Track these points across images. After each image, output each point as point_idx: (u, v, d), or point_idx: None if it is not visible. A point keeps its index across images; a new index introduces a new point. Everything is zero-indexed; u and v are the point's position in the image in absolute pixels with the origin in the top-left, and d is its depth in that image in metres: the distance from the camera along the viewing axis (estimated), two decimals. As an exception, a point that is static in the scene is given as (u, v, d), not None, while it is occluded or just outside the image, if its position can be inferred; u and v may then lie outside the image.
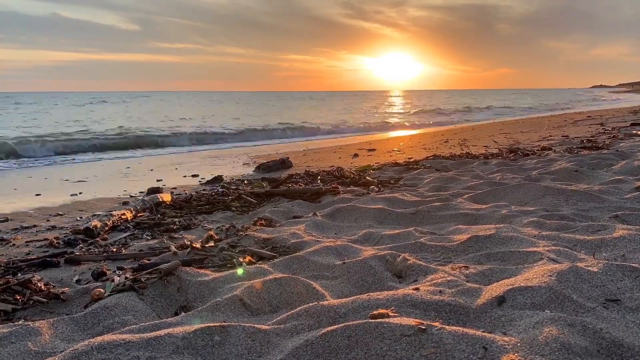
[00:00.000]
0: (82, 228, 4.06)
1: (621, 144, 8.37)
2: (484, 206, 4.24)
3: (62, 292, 2.65)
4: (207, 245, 3.41)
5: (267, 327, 1.97)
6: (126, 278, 2.69)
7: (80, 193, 6.41)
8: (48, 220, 4.79)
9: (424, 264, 2.72)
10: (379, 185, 5.77)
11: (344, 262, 2.83)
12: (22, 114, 30.81)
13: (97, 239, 3.90)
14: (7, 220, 4.83)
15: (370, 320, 1.82)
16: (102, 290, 2.56)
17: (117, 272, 2.97)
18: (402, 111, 36.43)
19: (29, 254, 3.62)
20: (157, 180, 7.41)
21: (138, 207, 4.78)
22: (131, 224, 4.37)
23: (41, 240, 3.99)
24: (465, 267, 2.64)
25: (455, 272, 2.56)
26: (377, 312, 1.94)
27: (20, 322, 2.29)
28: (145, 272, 2.75)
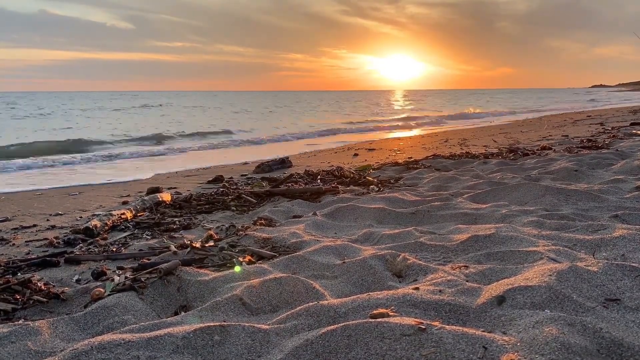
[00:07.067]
0: (81, 227, 4.06)
1: (621, 144, 8.36)
2: (483, 206, 4.24)
3: (62, 292, 2.65)
4: (206, 245, 3.41)
5: (266, 326, 1.97)
6: (126, 278, 2.69)
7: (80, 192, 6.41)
8: (48, 220, 4.79)
9: (423, 263, 2.72)
10: (379, 185, 5.77)
11: (344, 262, 2.83)
12: None
13: (97, 238, 3.90)
14: (7, 219, 4.83)
15: (370, 320, 1.82)
16: (102, 289, 2.56)
17: (117, 272, 2.97)
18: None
19: (28, 253, 3.62)
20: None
21: (138, 207, 4.77)
22: (131, 223, 4.37)
23: (41, 240, 3.99)
24: (465, 266, 2.64)
25: (455, 271, 2.56)
26: (377, 311, 1.94)
27: (20, 321, 2.29)
28: (145, 271, 2.75)
